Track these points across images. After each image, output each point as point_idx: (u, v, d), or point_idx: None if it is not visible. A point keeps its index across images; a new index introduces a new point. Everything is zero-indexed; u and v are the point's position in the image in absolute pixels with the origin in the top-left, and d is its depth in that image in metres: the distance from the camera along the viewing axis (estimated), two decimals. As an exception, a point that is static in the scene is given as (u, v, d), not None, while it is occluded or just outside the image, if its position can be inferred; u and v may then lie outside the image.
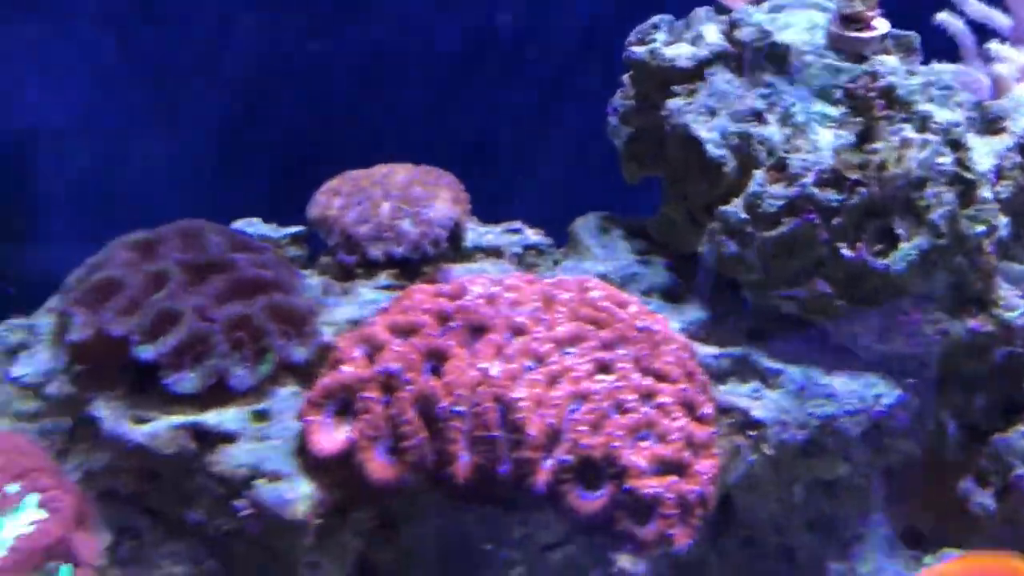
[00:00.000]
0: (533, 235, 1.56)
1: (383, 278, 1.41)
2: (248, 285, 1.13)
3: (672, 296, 1.39)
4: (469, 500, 0.92)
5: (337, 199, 1.47)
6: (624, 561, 0.93)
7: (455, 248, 1.50)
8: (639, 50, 1.42)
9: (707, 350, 1.23)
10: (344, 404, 0.96)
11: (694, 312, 1.34)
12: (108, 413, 1.07)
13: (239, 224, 1.64)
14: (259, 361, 1.09)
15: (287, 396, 1.11)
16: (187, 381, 1.06)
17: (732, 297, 1.35)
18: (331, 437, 0.94)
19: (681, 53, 1.39)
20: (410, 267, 1.43)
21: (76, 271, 1.20)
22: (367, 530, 0.95)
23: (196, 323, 1.07)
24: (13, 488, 0.92)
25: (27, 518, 0.92)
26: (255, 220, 1.63)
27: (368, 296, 1.35)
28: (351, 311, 1.32)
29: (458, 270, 1.40)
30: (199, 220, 1.27)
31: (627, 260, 1.48)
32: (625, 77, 1.56)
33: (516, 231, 1.58)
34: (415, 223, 1.43)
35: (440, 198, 1.47)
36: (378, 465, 0.91)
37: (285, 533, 0.92)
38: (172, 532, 1.08)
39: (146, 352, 1.06)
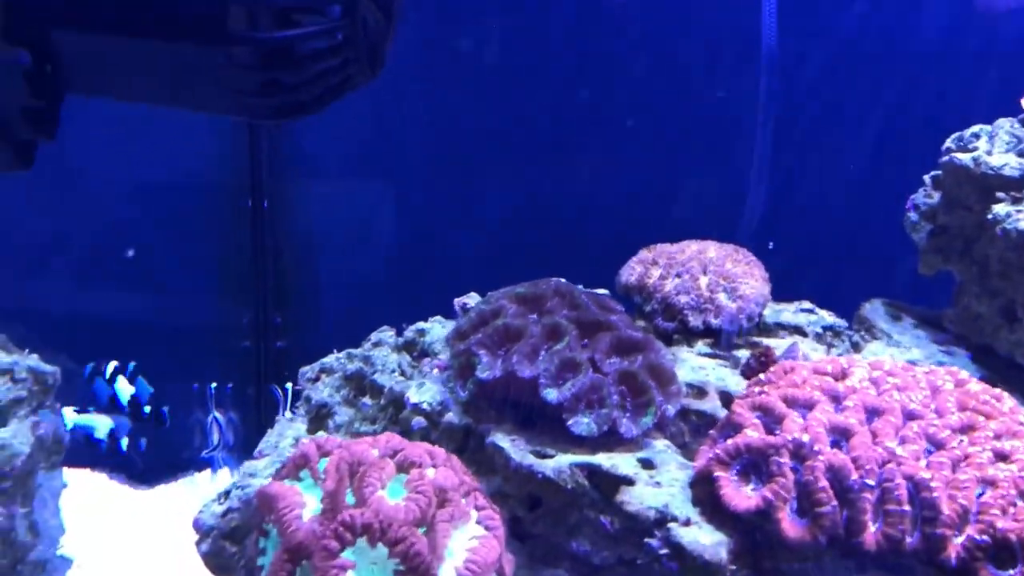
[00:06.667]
0: (828, 316, 1.66)
1: (700, 346, 1.53)
2: (626, 344, 1.27)
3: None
4: (868, 566, 1.01)
5: (655, 269, 1.61)
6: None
7: (758, 324, 1.61)
8: (962, 157, 1.51)
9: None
10: (749, 465, 1.08)
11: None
12: (509, 445, 1.21)
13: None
14: (642, 414, 1.21)
15: (662, 448, 1.23)
16: (584, 425, 1.19)
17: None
18: (742, 495, 1.05)
19: (1008, 163, 1.47)
20: (725, 337, 1.55)
21: (465, 317, 1.36)
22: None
23: (592, 374, 1.21)
24: (465, 503, 1.06)
25: (469, 532, 1.06)
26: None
27: (694, 362, 1.47)
28: (683, 374, 1.44)
29: (779, 345, 1.51)
30: (565, 281, 1.42)
31: (931, 349, 1.56)
32: (927, 177, 1.66)
33: (810, 311, 1.68)
34: (732, 298, 1.55)
35: (753, 276, 1.59)
36: (791, 525, 1.02)
37: (703, 573, 1.03)
38: (549, 558, 1.21)
39: (551, 394, 1.20)
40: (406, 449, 1.06)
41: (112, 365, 2.06)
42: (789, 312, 1.67)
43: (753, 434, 1.08)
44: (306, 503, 1.02)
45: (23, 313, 2.02)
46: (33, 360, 1.57)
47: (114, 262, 2.26)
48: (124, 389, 2.06)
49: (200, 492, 2.35)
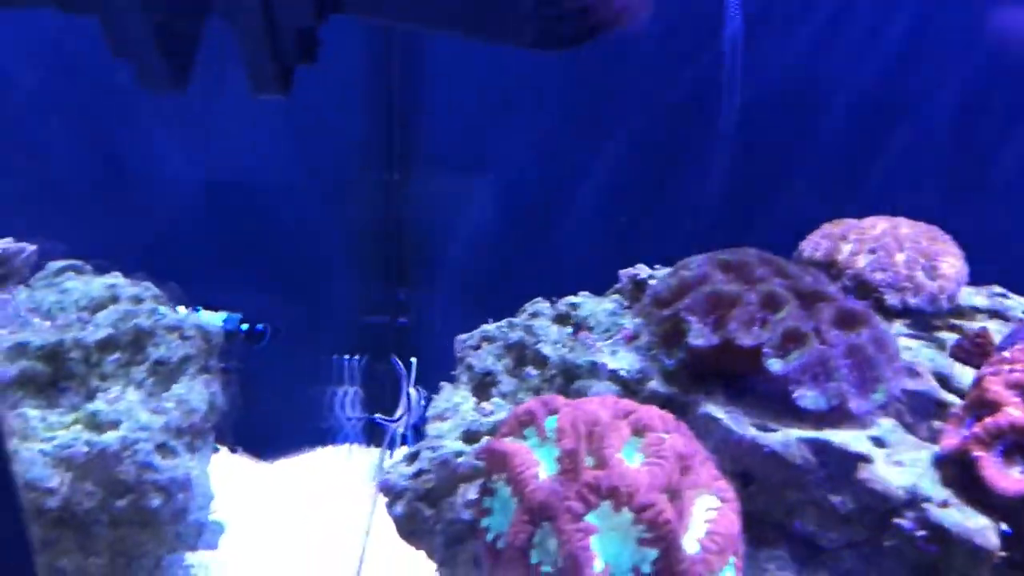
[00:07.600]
0: (1025, 301, 1.55)
1: (899, 326, 1.44)
2: (848, 316, 1.19)
3: None
4: None
5: (845, 244, 1.52)
6: None
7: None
8: None
9: None
10: (1013, 445, 0.98)
11: None
12: (725, 416, 1.14)
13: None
14: (872, 390, 1.13)
15: (891, 427, 1.14)
16: (811, 398, 1.11)
17: None
18: (1009, 477, 0.96)
19: None
20: (922, 318, 1.45)
21: (662, 284, 1.29)
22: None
23: (820, 346, 1.13)
24: (703, 472, 0.99)
25: (705, 503, 0.99)
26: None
27: (902, 343, 1.37)
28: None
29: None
30: (758, 250, 1.34)
31: None
32: None
33: (1003, 295, 1.57)
34: (931, 276, 1.45)
35: (952, 254, 1.49)
36: (1073, 510, 0.92)
37: (970, 559, 0.95)
38: (766, 538, 1.13)
39: (775, 365, 1.12)
40: (639, 412, 1.00)
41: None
42: (982, 296, 1.56)
43: (1016, 412, 0.99)
44: (538, 461, 0.96)
45: (166, 277, 2.01)
46: (197, 318, 1.54)
47: (259, 235, 2.25)
48: (211, 317, 2.02)
49: (324, 467, 2.32)
